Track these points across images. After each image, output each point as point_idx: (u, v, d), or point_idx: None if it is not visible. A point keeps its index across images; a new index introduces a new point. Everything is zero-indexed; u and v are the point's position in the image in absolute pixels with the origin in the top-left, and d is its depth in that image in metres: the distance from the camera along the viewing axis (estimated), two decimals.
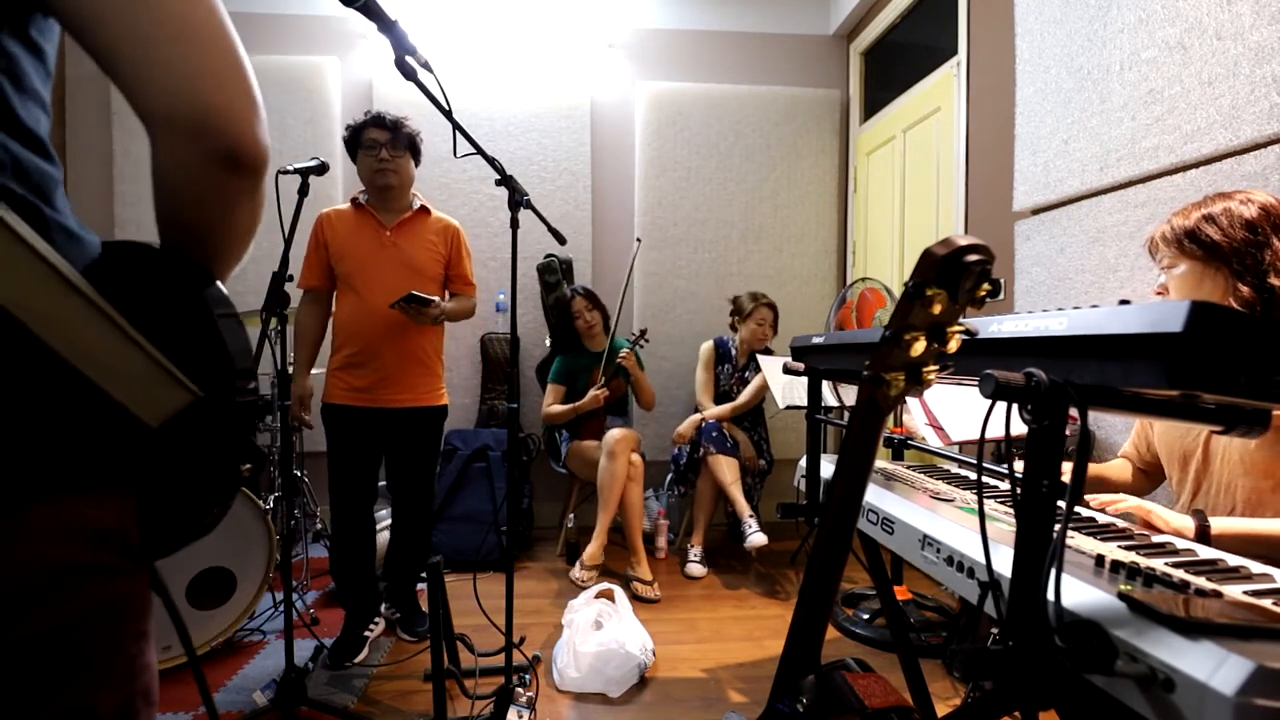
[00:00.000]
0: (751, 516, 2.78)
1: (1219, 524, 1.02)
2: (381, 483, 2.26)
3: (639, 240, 3.40)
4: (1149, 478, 1.41)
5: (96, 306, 0.48)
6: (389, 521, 2.42)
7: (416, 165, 2.20)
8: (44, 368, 0.46)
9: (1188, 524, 1.02)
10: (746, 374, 3.24)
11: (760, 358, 3.06)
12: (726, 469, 2.90)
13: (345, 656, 2.06)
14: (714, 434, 2.97)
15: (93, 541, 0.51)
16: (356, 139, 2.09)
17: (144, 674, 0.58)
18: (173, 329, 0.53)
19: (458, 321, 2.30)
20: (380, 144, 2.06)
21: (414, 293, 2.00)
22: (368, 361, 2.10)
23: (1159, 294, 1.23)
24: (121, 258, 0.54)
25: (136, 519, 0.54)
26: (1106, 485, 1.43)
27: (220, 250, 0.61)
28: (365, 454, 2.16)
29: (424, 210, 2.21)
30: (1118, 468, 1.44)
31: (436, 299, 2.07)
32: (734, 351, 3.27)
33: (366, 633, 2.16)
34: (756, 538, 2.68)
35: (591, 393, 2.98)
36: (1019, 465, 0.68)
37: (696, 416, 3.10)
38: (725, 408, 3.13)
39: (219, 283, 0.59)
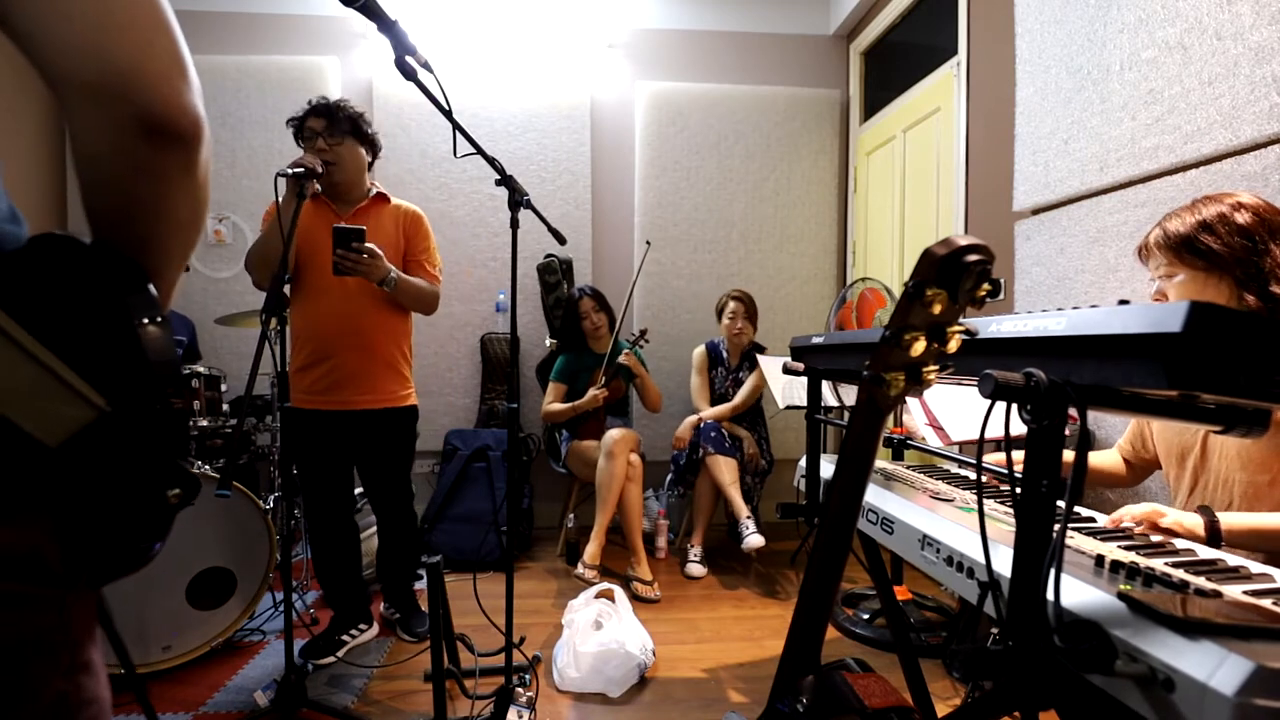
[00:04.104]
0: (749, 517, 2.78)
1: (1227, 520, 1.03)
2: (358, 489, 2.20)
3: (648, 244, 3.39)
4: (1137, 472, 1.43)
5: None
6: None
7: (371, 152, 2.10)
8: None
9: (1197, 522, 1.02)
10: (740, 374, 3.25)
11: (760, 358, 3.06)
12: (725, 469, 2.90)
13: (314, 655, 2.02)
14: (712, 434, 2.97)
15: None
16: (299, 132, 1.99)
17: (85, 709, 0.51)
18: (82, 336, 0.47)
19: (418, 309, 2.15)
20: (317, 133, 1.96)
21: (336, 225, 1.85)
22: (322, 360, 2.00)
23: (1157, 301, 1.21)
24: (38, 253, 0.47)
25: (56, 543, 0.47)
26: (1097, 474, 1.45)
27: (156, 242, 0.53)
28: (332, 459, 2.07)
29: (381, 197, 2.10)
30: (1109, 458, 1.46)
31: (372, 246, 1.87)
32: (725, 354, 3.28)
33: (345, 637, 2.12)
34: (753, 539, 2.68)
35: (591, 392, 2.98)
36: (1018, 465, 0.68)
37: (693, 418, 3.10)
38: (722, 408, 3.14)
39: (151, 286, 0.52)
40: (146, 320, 0.50)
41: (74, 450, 0.45)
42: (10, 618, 0.45)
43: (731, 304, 3.19)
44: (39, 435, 0.44)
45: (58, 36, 0.45)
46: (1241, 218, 1.10)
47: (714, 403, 3.22)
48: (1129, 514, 1.09)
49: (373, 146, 2.11)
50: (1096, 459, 1.46)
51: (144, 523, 0.51)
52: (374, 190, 2.11)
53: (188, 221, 0.54)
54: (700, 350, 3.31)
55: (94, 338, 0.47)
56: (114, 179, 0.50)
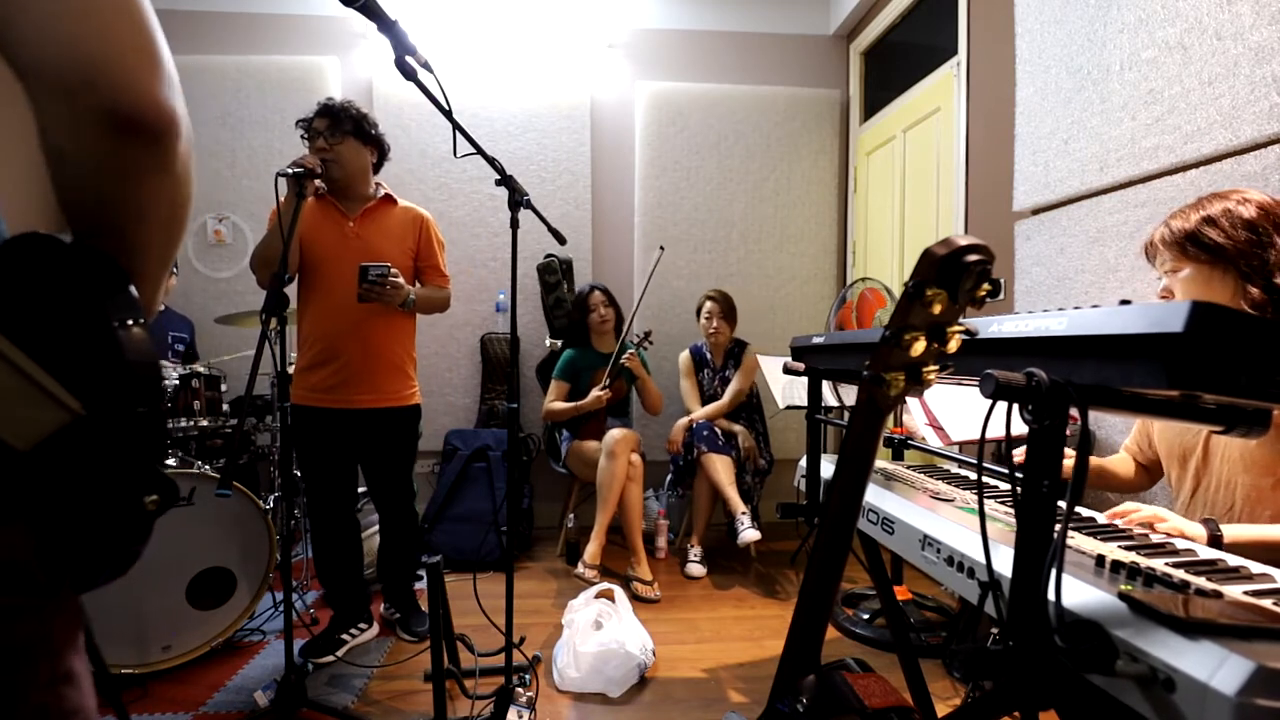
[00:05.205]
0: (744, 513, 2.78)
1: (1231, 531, 1.02)
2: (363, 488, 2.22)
3: (661, 249, 3.29)
4: (1149, 474, 1.42)
5: None
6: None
7: (378, 155, 2.13)
8: None
9: (1200, 532, 1.02)
10: (727, 373, 3.25)
11: (760, 358, 3.06)
12: (721, 468, 2.90)
13: (314, 654, 2.03)
14: (705, 433, 2.98)
15: None
16: (307, 133, 2.02)
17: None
18: (58, 337, 0.45)
19: (432, 313, 2.24)
20: (319, 132, 1.98)
21: (363, 264, 1.92)
22: (330, 360, 2.03)
23: (1164, 298, 1.21)
24: (12, 252, 0.46)
25: (34, 550, 0.46)
26: (1108, 477, 1.44)
27: (132, 240, 0.51)
28: (336, 456, 2.10)
29: (388, 199, 2.13)
30: (1120, 461, 1.45)
31: (395, 269, 1.97)
32: (709, 355, 3.29)
33: (345, 636, 2.13)
34: (748, 534, 2.68)
35: (594, 393, 2.98)
36: (1019, 464, 0.68)
37: (685, 420, 3.10)
38: (712, 408, 3.14)
39: (131, 286, 0.50)
40: (126, 322, 0.48)
41: (47, 454, 0.44)
42: None
43: (707, 304, 3.20)
44: (8, 439, 0.42)
45: (19, 24, 0.42)
46: (1247, 211, 1.10)
47: (705, 404, 3.23)
48: (1129, 511, 1.08)
49: (378, 147, 2.13)
50: (1108, 463, 1.45)
51: (120, 529, 0.49)
52: (381, 191, 2.13)
53: (167, 219, 0.52)
54: (685, 355, 3.33)
55: (70, 339, 0.45)
56: (82, 175, 0.48)
